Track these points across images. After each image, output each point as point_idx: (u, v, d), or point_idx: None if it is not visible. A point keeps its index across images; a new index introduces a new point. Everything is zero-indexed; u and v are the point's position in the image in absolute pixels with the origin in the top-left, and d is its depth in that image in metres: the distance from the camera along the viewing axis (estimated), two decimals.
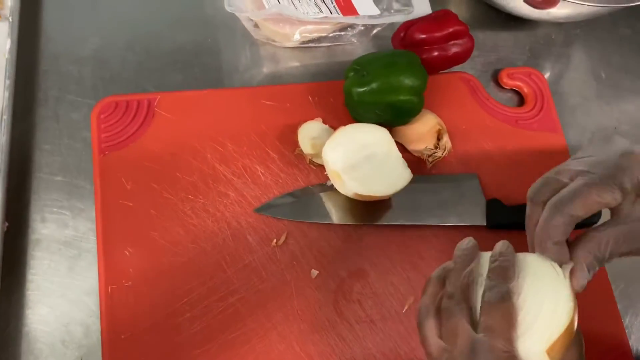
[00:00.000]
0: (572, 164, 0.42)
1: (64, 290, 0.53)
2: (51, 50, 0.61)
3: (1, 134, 0.54)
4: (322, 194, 0.58)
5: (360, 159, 0.55)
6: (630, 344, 0.58)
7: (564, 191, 0.40)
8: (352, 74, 0.58)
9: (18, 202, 0.55)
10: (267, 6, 0.60)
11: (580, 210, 0.39)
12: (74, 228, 0.55)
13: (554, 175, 0.42)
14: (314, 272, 0.55)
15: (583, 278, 0.39)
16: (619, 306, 0.59)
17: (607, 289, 0.59)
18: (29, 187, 0.56)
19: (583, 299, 0.57)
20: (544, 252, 0.41)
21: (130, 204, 0.55)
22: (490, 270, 0.40)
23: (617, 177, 0.39)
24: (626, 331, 0.58)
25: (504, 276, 0.39)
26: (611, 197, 0.39)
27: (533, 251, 0.43)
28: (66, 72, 0.61)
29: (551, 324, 0.37)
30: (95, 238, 0.54)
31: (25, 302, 0.52)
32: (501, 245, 0.41)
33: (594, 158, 0.41)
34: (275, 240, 0.55)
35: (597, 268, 0.40)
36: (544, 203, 0.42)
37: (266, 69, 0.65)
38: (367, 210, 0.58)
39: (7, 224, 0.52)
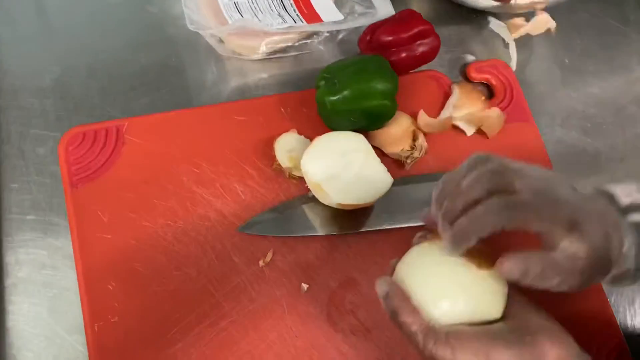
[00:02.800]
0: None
1: (47, 332, 0.51)
2: (9, 84, 0.59)
3: None
4: (304, 206, 0.57)
5: (340, 168, 0.54)
6: (618, 321, 0.59)
7: (511, 199, 0.39)
8: (322, 82, 0.57)
9: None
10: (229, 21, 0.59)
11: (510, 225, 0.39)
12: (52, 267, 0.53)
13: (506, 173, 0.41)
14: (304, 287, 0.54)
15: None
16: (604, 286, 0.60)
17: None
18: None
19: None
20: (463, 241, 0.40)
21: (109, 237, 0.53)
22: None
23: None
24: (612, 309, 0.59)
25: None
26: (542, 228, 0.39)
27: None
28: (27, 105, 0.58)
29: None
30: (75, 275, 0.52)
31: (7, 351, 0.50)
32: None
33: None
34: (262, 260, 0.54)
35: (513, 278, 0.40)
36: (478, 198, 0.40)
37: (234, 83, 0.64)
38: (351, 218, 0.57)
39: None
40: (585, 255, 0.39)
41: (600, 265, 0.40)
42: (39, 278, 0.52)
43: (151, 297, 0.52)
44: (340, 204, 0.54)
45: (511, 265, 0.39)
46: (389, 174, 0.55)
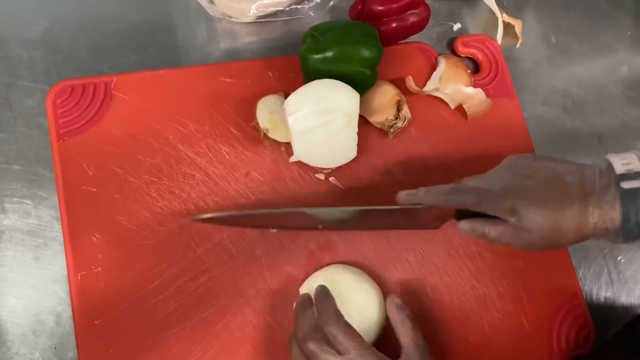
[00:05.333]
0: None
1: (31, 280, 0.52)
2: None
3: None
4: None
5: (318, 125, 0.55)
6: (584, 293, 0.62)
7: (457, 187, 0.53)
8: (309, 39, 0.58)
9: None
10: None
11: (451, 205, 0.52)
12: (37, 217, 0.54)
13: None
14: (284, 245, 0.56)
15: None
16: (573, 260, 0.62)
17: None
18: None
19: (540, 258, 0.60)
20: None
21: (94, 190, 0.54)
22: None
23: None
24: (580, 283, 0.62)
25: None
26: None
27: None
28: (15, 56, 0.58)
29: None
30: (60, 226, 0.53)
31: None
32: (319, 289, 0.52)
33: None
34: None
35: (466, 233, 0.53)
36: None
37: (223, 45, 0.65)
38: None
39: None
40: (519, 231, 0.48)
41: (548, 236, 0.47)
42: (24, 227, 0.53)
43: (134, 250, 0.53)
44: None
45: (464, 224, 0.52)
46: (356, 147, 0.57)
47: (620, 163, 0.45)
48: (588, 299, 0.63)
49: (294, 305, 0.53)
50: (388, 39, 0.62)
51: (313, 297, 0.52)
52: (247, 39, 0.65)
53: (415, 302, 0.57)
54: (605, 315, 0.62)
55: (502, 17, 0.70)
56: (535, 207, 0.46)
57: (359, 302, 0.53)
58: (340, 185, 0.59)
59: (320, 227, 0.55)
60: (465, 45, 0.68)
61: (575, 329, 0.59)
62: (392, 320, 0.52)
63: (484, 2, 0.72)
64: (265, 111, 0.57)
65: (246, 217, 0.54)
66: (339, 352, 0.46)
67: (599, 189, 0.45)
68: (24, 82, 0.58)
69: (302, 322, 0.49)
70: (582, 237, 0.47)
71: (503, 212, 0.48)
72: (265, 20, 0.65)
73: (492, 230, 0.50)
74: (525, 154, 0.52)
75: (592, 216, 0.45)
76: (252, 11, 0.62)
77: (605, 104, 0.72)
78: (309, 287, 0.54)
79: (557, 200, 0.46)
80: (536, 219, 0.46)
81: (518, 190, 0.48)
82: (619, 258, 0.65)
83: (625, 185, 0.44)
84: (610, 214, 0.44)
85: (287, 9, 0.64)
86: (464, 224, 0.52)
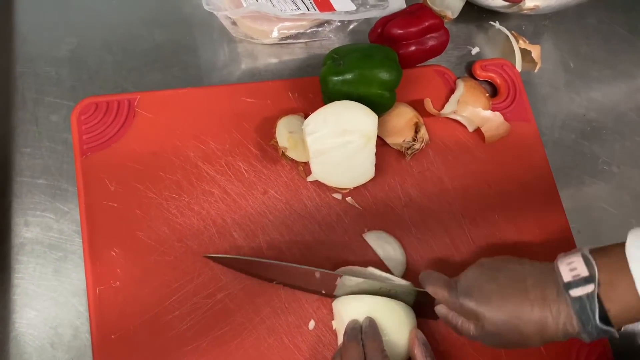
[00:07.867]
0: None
1: (50, 293, 0.53)
2: (26, 51, 0.61)
3: None
4: None
5: (337, 146, 0.56)
6: None
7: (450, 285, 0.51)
8: (330, 62, 0.59)
9: None
10: (245, 4, 0.60)
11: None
12: (59, 230, 0.54)
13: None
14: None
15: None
16: None
17: None
18: (10, 191, 0.55)
19: None
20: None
21: (115, 205, 0.55)
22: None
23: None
24: None
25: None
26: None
27: None
28: (43, 73, 0.60)
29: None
30: (80, 240, 0.54)
31: (11, 307, 0.52)
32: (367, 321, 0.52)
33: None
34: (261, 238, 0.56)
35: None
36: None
37: (244, 65, 0.66)
38: None
39: None
40: (485, 333, 0.48)
41: (513, 340, 0.47)
42: (45, 240, 0.54)
43: (152, 266, 0.54)
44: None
45: (440, 309, 0.52)
46: (374, 167, 0.57)
47: (567, 269, 0.45)
48: None
49: (333, 324, 0.54)
50: (407, 62, 0.63)
51: (361, 321, 0.52)
52: (268, 60, 0.66)
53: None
54: (624, 344, 0.61)
55: (519, 44, 0.70)
56: (495, 311, 0.47)
57: (391, 326, 0.52)
58: (357, 206, 0.59)
59: (323, 292, 0.55)
60: (483, 69, 0.69)
61: (594, 357, 0.58)
62: (413, 355, 0.52)
63: (499, 25, 0.72)
64: (284, 130, 0.58)
65: (256, 266, 0.54)
66: None
67: (557, 294, 0.45)
68: (50, 98, 0.59)
69: (350, 350, 0.49)
70: (548, 339, 0.46)
71: (467, 314, 0.49)
72: (286, 42, 0.66)
73: (464, 324, 0.50)
74: (497, 256, 0.52)
75: (552, 321, 0.45)
76: (274, 33, 0.63)
77: (623, 130, 0.72)
78: (344, 304, 0.53)
79: (517, 304, 0.46)
80: (497, 323, 0.47)
81: (480, 294, 0.48)
82: None
83: (573, 293, 0.44)
84: (568, 320, 0.45)
85: (308, 31, 0.65)
86: (441, 309, 0.52)
